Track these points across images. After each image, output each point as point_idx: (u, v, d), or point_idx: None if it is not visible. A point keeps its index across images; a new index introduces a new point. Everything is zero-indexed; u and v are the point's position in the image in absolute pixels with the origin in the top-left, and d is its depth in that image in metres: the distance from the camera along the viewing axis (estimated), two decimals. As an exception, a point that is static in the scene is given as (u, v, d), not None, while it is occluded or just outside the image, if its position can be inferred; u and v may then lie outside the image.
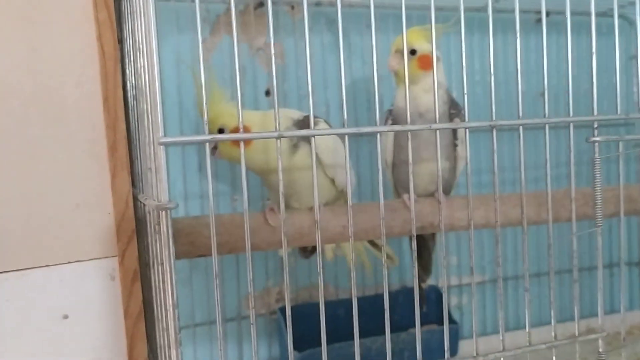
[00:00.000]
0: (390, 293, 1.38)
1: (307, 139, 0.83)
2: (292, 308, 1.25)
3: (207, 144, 0.53)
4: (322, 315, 0.62)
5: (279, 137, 0.58)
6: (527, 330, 0.69)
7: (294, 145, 0.84)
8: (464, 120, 0.84)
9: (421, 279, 1.18)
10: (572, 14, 0.70)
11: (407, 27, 0.68)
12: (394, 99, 0.94)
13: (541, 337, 0.76)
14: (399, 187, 0.97)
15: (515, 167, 1.31)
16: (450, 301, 1.40)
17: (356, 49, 1.30)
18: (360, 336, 1.11)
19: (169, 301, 0.49)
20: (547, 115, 0.68)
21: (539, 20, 1.46)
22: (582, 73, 0.94)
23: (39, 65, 0.56)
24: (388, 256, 1.08)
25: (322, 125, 0.86)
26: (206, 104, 0.55)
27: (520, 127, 0.67)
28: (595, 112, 0.68)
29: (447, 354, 0.70)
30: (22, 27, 0.55)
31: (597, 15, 0.71)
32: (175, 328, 0.49)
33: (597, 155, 0.64)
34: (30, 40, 0.55)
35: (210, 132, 0.54)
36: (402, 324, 1.29)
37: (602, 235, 0.69)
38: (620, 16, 1.31)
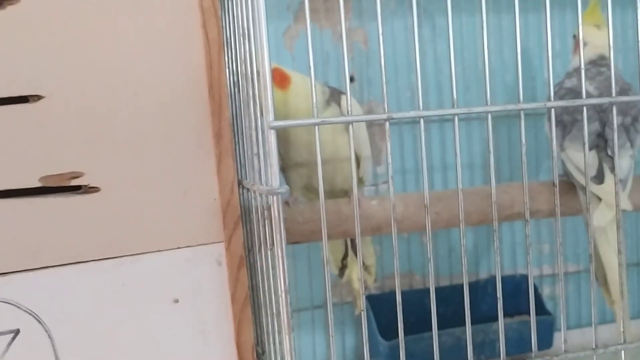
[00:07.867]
0: (478, 282, 1.34)
1: (337, 100, 0.78)
2: (380, 296, 1.24)
3: (317, 127, 0.53)
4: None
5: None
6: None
7: (327, 102, 0.78)
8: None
9: None
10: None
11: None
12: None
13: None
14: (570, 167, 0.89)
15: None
16: (543, 291, 1.34)
17: (441, 31, 1.26)
18: (450, 326, 1.08)
19: (281, 286, 0.49)
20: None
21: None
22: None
23: (147, 53, 0.57)
24: (366, 268, 1.00)
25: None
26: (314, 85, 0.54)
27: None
28: None
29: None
30: (131, 16, 0.56)
31: None
32: (288, 313, 0.49)
33: None
34: (139, 28, 0.56)
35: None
36: (492, 314, 1.24)
37: None
38: None
